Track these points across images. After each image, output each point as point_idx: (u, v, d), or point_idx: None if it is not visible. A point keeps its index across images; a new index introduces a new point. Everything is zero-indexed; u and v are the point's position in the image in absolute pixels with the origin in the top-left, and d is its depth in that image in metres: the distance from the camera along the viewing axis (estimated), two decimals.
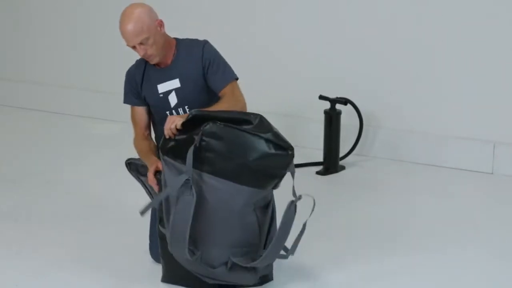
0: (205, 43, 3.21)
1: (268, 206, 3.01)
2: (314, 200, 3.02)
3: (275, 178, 2.96)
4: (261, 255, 2.97)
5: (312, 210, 3.04)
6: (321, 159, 4.56)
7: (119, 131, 5.31)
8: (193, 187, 2.85)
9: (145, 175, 3.17)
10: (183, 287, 3.14)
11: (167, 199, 2.96)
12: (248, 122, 2.95)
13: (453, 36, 4.47)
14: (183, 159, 2.88)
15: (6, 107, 5.88)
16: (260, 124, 2.95)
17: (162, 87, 3.17)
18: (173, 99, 3.18)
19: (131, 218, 3.72)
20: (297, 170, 4.41)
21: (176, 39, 3.24)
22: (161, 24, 3.13)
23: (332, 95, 4.54)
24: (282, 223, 2.95)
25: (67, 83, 5.72)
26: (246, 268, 2.99)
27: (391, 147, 4.69)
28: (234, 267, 2.98)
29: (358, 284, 3.22)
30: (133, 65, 3.29)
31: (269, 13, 4.96)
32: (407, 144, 4.64)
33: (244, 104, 3.15)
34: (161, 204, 3.03)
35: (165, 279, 3.18)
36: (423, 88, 4.60)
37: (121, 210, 3.92)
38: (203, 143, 2.87)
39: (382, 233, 3.68)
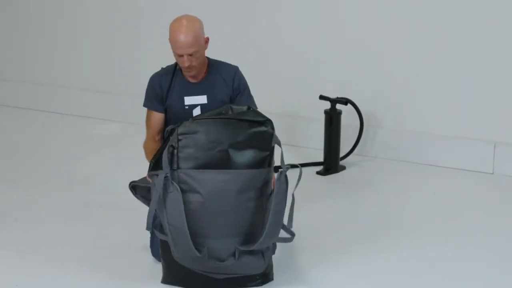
0: (237, 69, 3.38)
1: (272, 192, 3.04)
2: (300, 169, 3.06)
3: (264, 154, 3.02)
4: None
5: (299, 179, 3.05)
6: (321, 159, 4.57)
7: (119, 131, 5.32)
8: (174, 182, 2.94)
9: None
10: None
11: (160, 205, 3.00)
12: (221, 113, 3.09)
13: (453, 36, 4.48)
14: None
15: (6, 107, 5.88)
16: (232, 110, 3.10)
17: (189, 100, 3.29)
18: (197, 113, 3.28)
19: (131, 218, 3.74)
20: (297, 170, 4.48)
21: (208, 58, 3.35)
22: (207, 41, 3.28)
23: (332, 95, 4.56)
24: (275, 194, 2.99)
25: (67, 83, 5.73)
26: (253, 254, 3.03)
27: (391, 147, 4.70)
28: (242, 255, 3.01)
29: (358, 283, 3.23)
30: (159, 73, 3.38)
31: (269, 13, 4.97)
32: (408, 144, 4.66)
33: None
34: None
35: (166, 280, 3.18)
36: (424, 88, 4.61)
37: (121, 210, 3.92)
38: (180, 142, 2.99)
39: (383, 233, 3.69)
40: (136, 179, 3.68)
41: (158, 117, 3.35)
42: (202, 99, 3.29)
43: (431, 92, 4.59)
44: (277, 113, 4.71)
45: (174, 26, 3.23)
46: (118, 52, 5.56)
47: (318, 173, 4.50)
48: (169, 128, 3.11)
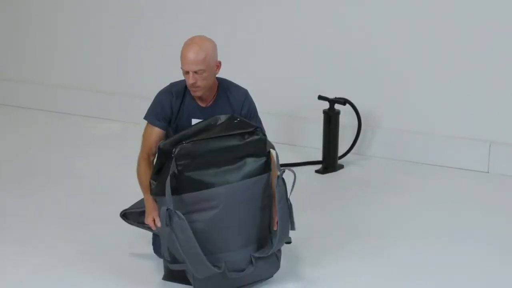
0: (247, 94, 3.33)
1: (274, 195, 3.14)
2: (294, 174, 3.16)
3: (261, 161, 3.10)
4: (274, 239, 3.10)
5: (293, 185, 3.15)
6: (320, 158, 4.60)
7: (119, 130, 5.31)
8: (177, 212, 2.95)
9: (143, 222, 3.27)
10: (185, 285, 3.17)
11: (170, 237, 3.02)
12: (209, 126, 3.10)
13: (450, 37, 4.50)
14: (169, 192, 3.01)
15: (7, 106, 5.86)
16: (221, 123, 3.12)
17: (195, 122, 3.22)
18: None
19: None
20: (297, 168, 4.45)
21: (218, 79, 3.31)
22: (219, 65, 3.23)
23: (331, 96, 4.58)
24: (278, 199, 3.08)
25: (67, 83, 5.72)
26: (269, 258, 3.11)
27: (388, 147, 4.72)
28: (258, 261, 3.09)
29: (356, 280, 3.26)
30: (170, 91, 3.28)
31: (269, 14, 4.98)
32: (404, 144, 4.68)
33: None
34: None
35: (167, 277, 3.21)
36: (421, 89, 4.63)
37: (122, 208, 3.90)
38: (180, 167, 3.00)
39: (380, 230, 3.72)
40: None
41: (159, 134, 3.26)
42: None
43: (428, 93, 4.61)
44: (277, 113, 4.73)
45: (186, 43, 3.18)
46: (118, 52, 5.53)
47: (317, 171, 4.52)
48: (160, 144, 3.09)
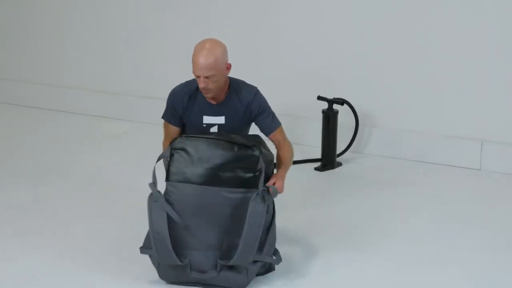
0: (256, 92, 3.38)
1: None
2: (273, 190, 3.11)
3: (248, 175, 3.10)
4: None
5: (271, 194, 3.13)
6: (319, 156, 4.65)
7: (128, 129, 5.31)
8: (159, 192, 3.06)
9: None
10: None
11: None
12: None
13: (444, 38, 4.55)
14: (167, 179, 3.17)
15: (10, 105, 5.86)
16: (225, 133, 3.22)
17: (207, 119, 3.34)
18: (214, 131, 3.36)
19: (139, 212, 3.64)
20: (296, 166, 4.55)
21: (230, 78, 3.35)
22: (229, 67, 3.26)
23: (329, 96, 4.64)
24: (249, 214, 3.01)
25: (75, 83, 5.72)
26: (237, 270, 3.08)
27: (385, 145, 4.77)
28: (223, 269, 3.08)
29: (355, 274, 3.29)
30: (182, 88, 3.37)
31: (269, 14, 4.99)
32: (400, 142, 4.73)
33: (292, 146, 3.43)
34: None
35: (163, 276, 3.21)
36: (415, 90, 4.69)
37: (129, 205, 3.97)
38: (172, 156, 3.12)
39: (376, 225, 3.78)
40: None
41: (175, 129, 3.40)
42: (220, 119, 3.33)
43: (423, 94, 4.67)
44: (277, 113, 4.76)
45: (197, 47, 3.21)
46: (124, 54, 5.53)
47: (316, 169, 4.58)
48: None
